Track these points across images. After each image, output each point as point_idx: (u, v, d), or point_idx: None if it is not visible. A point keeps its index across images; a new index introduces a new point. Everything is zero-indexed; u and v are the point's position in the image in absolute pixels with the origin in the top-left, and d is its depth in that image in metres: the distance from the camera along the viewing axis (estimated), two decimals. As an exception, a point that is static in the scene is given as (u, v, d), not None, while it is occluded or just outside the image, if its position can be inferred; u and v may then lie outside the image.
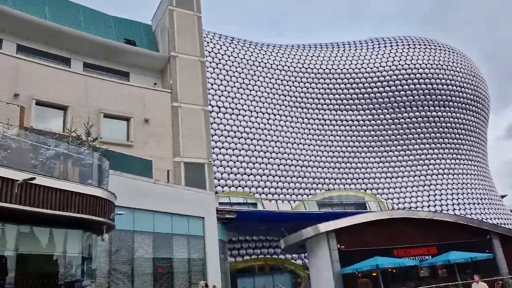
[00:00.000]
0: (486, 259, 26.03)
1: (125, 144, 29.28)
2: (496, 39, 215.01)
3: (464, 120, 55.66)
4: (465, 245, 26.17)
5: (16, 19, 28.46)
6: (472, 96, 56.68)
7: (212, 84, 41.62)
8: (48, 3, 31.95)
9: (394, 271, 25.84)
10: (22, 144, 12.33)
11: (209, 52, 43.40)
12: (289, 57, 51.47)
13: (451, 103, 54.54)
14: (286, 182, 43.03)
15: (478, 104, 57.84)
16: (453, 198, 50.65)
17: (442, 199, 50.21)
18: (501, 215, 52.79)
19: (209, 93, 39.72)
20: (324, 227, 24.02)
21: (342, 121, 50.65)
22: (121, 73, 34.21)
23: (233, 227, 32.51)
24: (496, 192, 58.99)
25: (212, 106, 40.01)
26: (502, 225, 41.97)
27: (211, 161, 34.38)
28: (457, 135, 54.85)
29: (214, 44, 45.52)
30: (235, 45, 47.77)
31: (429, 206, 48.41)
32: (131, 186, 20.18)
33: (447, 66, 55.91)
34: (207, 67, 40.44)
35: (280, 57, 50.70)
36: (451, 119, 54.54)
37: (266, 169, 42.17)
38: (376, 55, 55.29)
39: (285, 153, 44.48)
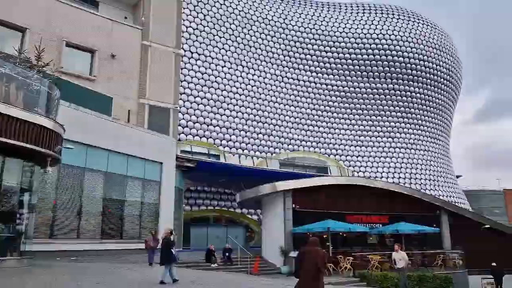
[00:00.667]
0: (433, 233, 26.94)
1: (87, 77, 27.93)
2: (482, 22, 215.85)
3: (433, 98, 56.29)
4: (415, 218, 26.86)
5: None
6: (445, 75, 57.13)
7: (187, 27, 39.62)
8: None
9: (344, 235, 26.37)
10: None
11: (187, -8, 41.18)
12: (270, 10, 49.68)
13: (424, 79, 54.79)
14: (252, 137, 42.65)
15: (450, 84, 58.47)
16: (411, 172, 52.05)
17: (401, 171, 51.49)
18: (453, 194, 54.92)
19: (183, 36, 37.96)
20: (281, 185, 23.88)
21: (315, 84, 50.13)
22: (90, 1, 32.05)
23: (192, 176, 32.16)
24: (453, 172, 61.02)
25: (185, 50, 38.29)
26: (453, 203, 43.55)
27: (177, 107, 33.57)
28: (424, 112, 55.61)
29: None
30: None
31: (387, 177, 49.56)
32: (86, 121, 19.24)
33: (426, 41, 55.74)
34: (184, 8, 38.44)
35: (262, 9, 48.82)
36: (421, 95, 55.01)
37: (234, 122, 41.46)
38: (360, 20, 54.34)
39: (254, 108, 43.77)
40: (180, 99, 36.29)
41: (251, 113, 43.43)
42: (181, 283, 11.70)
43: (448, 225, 28.46)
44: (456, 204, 46.33)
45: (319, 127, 49.28)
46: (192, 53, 39.99)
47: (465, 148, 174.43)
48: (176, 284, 11.41)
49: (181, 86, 36.82)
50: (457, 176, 64.44)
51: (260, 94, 45.05)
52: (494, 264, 23.87)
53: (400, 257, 15.22)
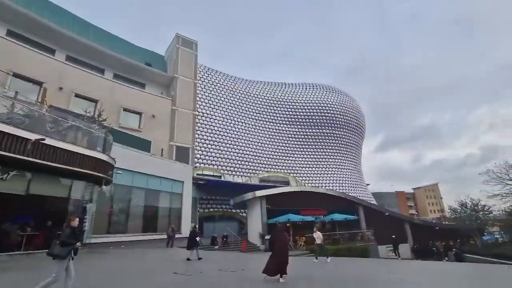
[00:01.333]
0: (354, 219, 26.29)
1: (136, 129, 27.09)
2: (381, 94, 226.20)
3: (350, 137, 56.95)
4: (343, 210, 26.25)
5: (75, 41, 25.97)
6: (355, 122, 58.17)
7: (200, 98, 39.77)
8: (94, 30, 29.16)
9: (299, 223, 25.41)
10: (42, 116, 10.46)
11: (200, 77, 41.46)
12: (250, 87, 50.41)
13: (344, 126, 55.65)
14: (241, 164, 41.87)
15: (359, 128, 59.44)
16: (340, 182, 51.65)
17: (333, 182, 51.03)
18: (365, 195, 54.47)
19: (198, 103, 37.92)
20: (259, 193, 23.12)
21: (280, 130, 50.21)
22: (139, 83, 31.81)
23: (204, 189, 31.04)
24: (364, 181, 60.90)
25: (198, 112, 38.15)
26: (365, 200, 42.95)
27: (193, 147, 32.75)
28: (346, 145, 56.02)
29: (204, 72, 43.58)
30: (218, 75, 45.94)
31: (325, 185, 48.97)
32: (132, 156, 18.38)
33: (344, 104, 57.08)
34: (199, 86, 38.61)
35: (246, 86, 49.49)
36: (344, 135, 55.64)
37: (230, 155, 40.82)
38: (305, 92, 55.52)
39: (242, 145, 43.28)
40: (196, 141, 35.68)
41: (241, 149, 42.88)
42: (195, 259, 10.96)
43: (363, 214, 27.82)
44: (368, 201, 45.78)
45: (283, 156, 48.85)
46: (203, 113, 39.85)
47: (371, 167, 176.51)
48: (199, 260, 10.79)
49: (197, 133, 36.35)
50: (367, 184, 64.31)
51: (246, 137, 44.72)
52: (394, 236, 23.14)
53: (317, 236, 13.59)
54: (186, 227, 22.38)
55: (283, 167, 47.82)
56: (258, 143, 46.03)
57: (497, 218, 30.75)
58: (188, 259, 10.62)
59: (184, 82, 33.26)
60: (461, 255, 21.47)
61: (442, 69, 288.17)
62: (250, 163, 43.12)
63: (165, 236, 19.53)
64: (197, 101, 37.80)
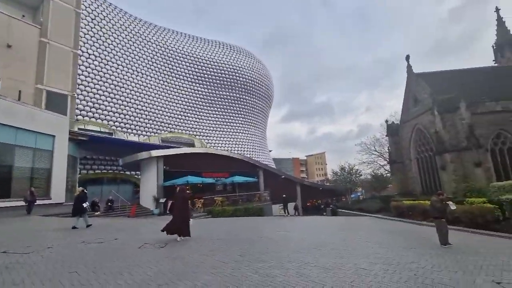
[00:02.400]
0: (253, 182, 27.62)
1: (-22, 61, 19.74)
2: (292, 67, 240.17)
3: (259, 104, 58.79)
4: (245, 173, 27.11)
5: None
6: (265, 90, 60.16)
7: (85, 34, 32.06)
8: None
9: (200, 185, 24.93)
10: None
11: (87, 6, 33.09)
12: (155, 34, 44.19)
13: (254, 92, 56.68)
14: (139, 122, 37.45)
15: (267, 97, 61.89)
16: (245, 146, 53.59)
17: (237, 146, 52.52)
18: (267, 159, 58.70)
19: (83, 40, 30.49)
20: (155, 153, 21.01)
21: (187, 88, 46.95)
22: (-15, -4, 22.82)
23: (89, 147, 26.27)
24: (267, 148, 65.32)
25: (83, 52, 30.87)
26: (266, 164, 46.23)
27: (74, 94, 26.77)
28: (254, 112, 57.69)
29: (94, 1, 34.97)
30: (112, 9, 37.80)
31: (231, 149, 49.96)
32: (-37, 94, 13.12)
33: (256, 70, 57.58)
34: (84, 18, 30.82)
35: (144, 30, 42.98)
36: (252, 101, 56.87)
37: (125, 109, 35.67)
38: (216, 51, 52.77)
39: (142, 100, 38.45)
40: (79, 88, 29.29)
41: (140, 104, 38.09)
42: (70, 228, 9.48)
43: (262, 177, 29.52)
44: (268, 165, 49.47)
45: (189, 116, 46.47)
46: (89, 54, 32.60)
47: (276, 135, 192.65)
48: (86, 228, 9.73)
49: (80, 78, 29.70)
50: (270, 150, 69.37)
51: (144, 89, 39.80)
52: (284, 195, 25.18)
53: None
54: (57, 191, 18.54)
55: (188, 128, 45.76)
56: (161, 99, 41.90)
57: (363, 180, 38.28)
58: (73, 227, 9.69)
59: (61, 7, 25.82)
60: (336, 210, 25.69)
61: (340, 54, 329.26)
62: (150, 121, 39.12)
63: (23, 203, 15.59)
64: (82, 37, 30.46)
